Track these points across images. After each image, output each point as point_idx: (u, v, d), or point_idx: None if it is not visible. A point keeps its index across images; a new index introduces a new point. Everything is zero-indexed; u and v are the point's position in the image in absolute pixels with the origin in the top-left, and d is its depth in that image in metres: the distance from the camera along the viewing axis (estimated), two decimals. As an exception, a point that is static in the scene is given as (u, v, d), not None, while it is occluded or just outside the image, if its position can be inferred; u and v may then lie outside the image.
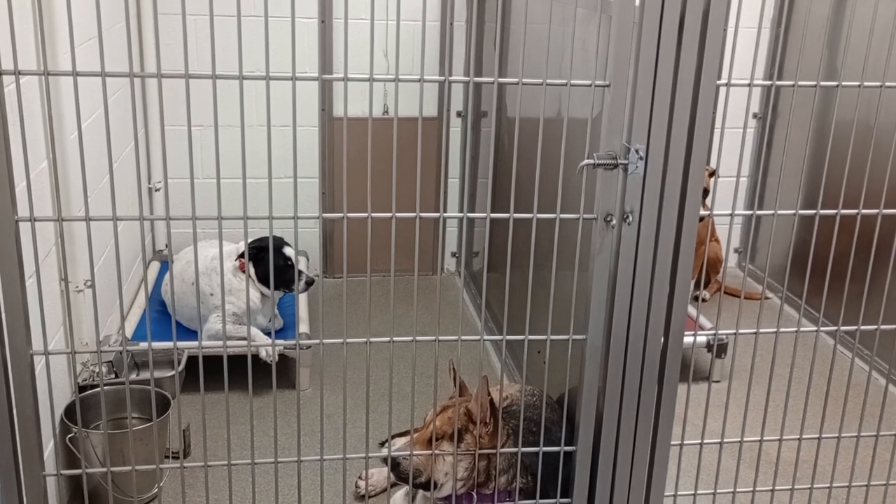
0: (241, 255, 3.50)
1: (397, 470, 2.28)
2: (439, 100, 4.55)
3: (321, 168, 4.45)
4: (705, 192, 1.97)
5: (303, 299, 3.88)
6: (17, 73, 1.65)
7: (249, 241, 3.53)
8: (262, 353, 3.38)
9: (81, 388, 2.89)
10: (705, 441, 2.18)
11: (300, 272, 3.64)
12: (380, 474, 2.86)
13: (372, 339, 1.96)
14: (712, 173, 3.01)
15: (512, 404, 2.59)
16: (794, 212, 2.04)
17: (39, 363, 2.03)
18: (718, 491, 2.29)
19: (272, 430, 2.63)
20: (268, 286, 3.54)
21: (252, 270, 3.48)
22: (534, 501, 2.23)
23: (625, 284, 1.97)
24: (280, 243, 3.56)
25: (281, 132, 4.10)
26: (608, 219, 1.93)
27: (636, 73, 1.82)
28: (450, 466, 2.23)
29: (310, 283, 3.58)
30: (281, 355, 3.51)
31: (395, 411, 3.28)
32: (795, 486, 2.31)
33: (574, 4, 2.73)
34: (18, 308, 1.79)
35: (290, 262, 3.63)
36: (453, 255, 4.88)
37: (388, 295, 4.43)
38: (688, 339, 2.13)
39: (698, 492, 2.24)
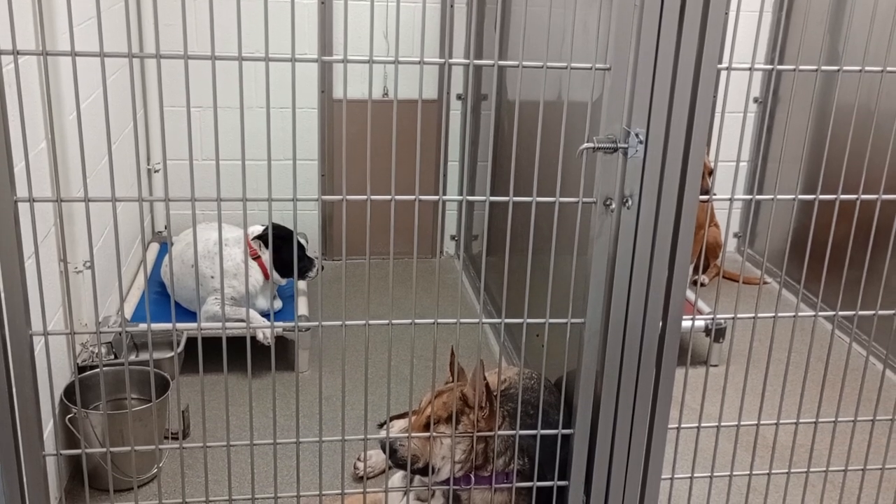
0: (257, 238, 3.54)
1: (395, 456, 2.29)
2: (439, 82, 4.54)
3: (321, 150, 4.44)
4: (706, 192, 1.97)
5: (302, 281, 3.89)
6: (16, 53, 1.65)
7: (257, 228, 3.57)
8: (260, 336, 3.39)
9: (81, 369, 2.90)
10: (702, 425, 2.19)
11: (312, 259, 3.72)
12: (378, 456, 2.87)
13: (371, 322, 1.97)
14: (710, 171, 3.00)
15: (510, 387, 2.59)
16: (793, 197, 2.04)
17: (39, 344, 2.04)
18: (715, 474, 2.30)
19: (271, 412, 2.64)
20: (282, 273, 3.62)
21: (266, 257, 3.53)
22: (531, 484, 2.25)
23: (624, 268, 1.97)
24: (289, 233, 3.58)
25: (280, 114, 4.10)
26: (607, 202, 1.93)
27: (637, 56, 1.81)
28: (447, 450, 2.24)
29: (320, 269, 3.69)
30: (280, 337, 3.52)
31: (394, 393, 3.31)
32: (792, 470, 2.32)
33: (575, -13, 2.72)
34: (17, 289, 1.79)
35: (304, 251, 3.78)
36: (452, 238, 4.88)
37: (387, 277, 4.43)
38: (686, 324, 2.13)
39: (695, 475, 2.25)
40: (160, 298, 3.72)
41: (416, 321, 1.98)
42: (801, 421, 2.24)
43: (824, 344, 3.70)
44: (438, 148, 4.60)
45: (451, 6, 4.39)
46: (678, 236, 1.97)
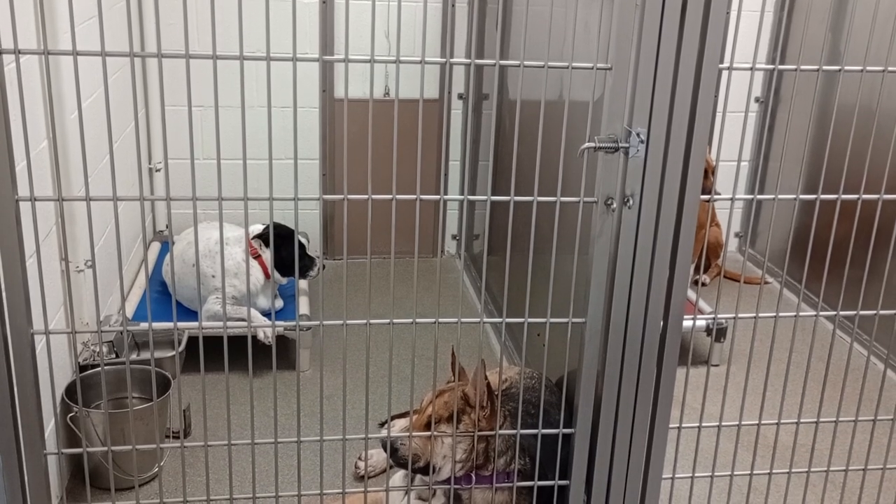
0: (257, 237, 3.54)
1: (396, 455, 2.29)
2: (440, 82, 4.54)
3: (322, 149, 4.44)
4: (709, 191, 1.97)
5: (303, 280, 3.89)
6: (17, 52, 1.65)
7: (258, 227, 3.58)
8: (260, 335, 3.39)
9: (82, 368, 2.90)
10: (703, 424, 2.19)
11: (313, 258, 3.73)
12: (379, 455, 2.87)
13: (372, 321, 1.97)
14: (713, 170, 2.98)
15: (511, 387, 2.59)
16: (794, 196, 2.04)
17: (40, 343, 2.04)
18: (716, 474, 2.30)
19: (272, 411, 2.64)
20: (283, 272, 3.62)
21: (267, 256, 3.54)
22: (532, 483, 2.25)
23: (625, 268, 1.97)
24: (290, 232, 3.59)
25: (281, 113, 4.10)
26: (609, 202, 1.93)
27: (638, 55, 1.81)
28: (448, 449, 2.24)
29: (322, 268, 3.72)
30: (281, 336, 3.52)
31: (395, 393, 3.31)
32: (793, 470, 2.32)
33: (576, -14, 2.71)
34: (19, 287, 1.79)
35: (305, 250, 3.80)
36: (454, 237, 4.88)
37: (388, 277, 4.43)
38: (687, 323, 2.13)
39: (696, 475, 2.25)
40: (161, 297, 3.72)
41: (418, 320, 1.98)
42: (802, 421, 2.24)
43: (825, 344, 3.70)
44: (440, 147, 4.60)
45: (453, 6, 4.39)
46: (679, 236, 1.96)
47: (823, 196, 2.02)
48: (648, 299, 2.00)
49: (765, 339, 3.42)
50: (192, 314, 3.55)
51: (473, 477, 2.29)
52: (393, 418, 2.88)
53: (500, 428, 2.23)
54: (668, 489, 2.24)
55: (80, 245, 2.82)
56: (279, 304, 3.77)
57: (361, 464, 2.88)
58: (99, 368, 2.73)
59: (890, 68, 1.93)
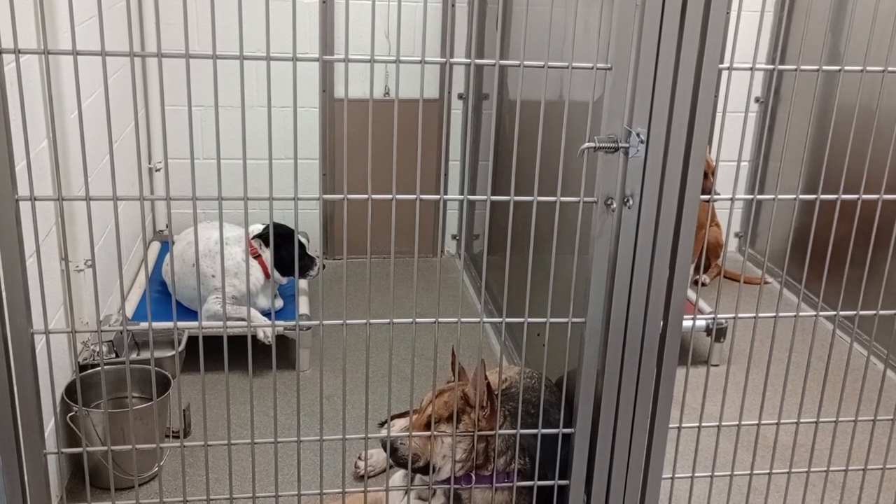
0: (257, 237, 3.55)
1: (395, 455, 2.29)
2: (440, 82, 4.53)
3: (321, 149, 4.44)
4: (708, 190, 1.97)
5: (303, 280, 3.89)
6: (17, 51, 1.65)
7: (257, 227, 3.59)
8: (260, 335, 3.39)
9: (82, 368, 2.90)
10: (703, 424, 2.19)
11: (313, 258, 3.74)
12: (379, 455, 2.87)
13: (372, 321, 1.97)
14: (713, 170, 2.99)
15: (511, 387, 2.59)
16: (794, 196, 2.04)
17: (40, 342, 2.04)
18: (716, 474, 2.30)
19: (272, 411, 2.63)
20: (283, 272, 3.63)
21: (267, 256, 3.55)
22: (532, 483, 2.25)
23: (625, 268, 1.97)
24: (290, 231, 3.59)
25: (281, 113, 4.10)
26: (609, 202, 1.93)
27: (638, 55, 1.81)
28: (448, 449, 2.24)
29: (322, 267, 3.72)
30: (281, 336, 3.52)
31: (395, 392, 3.31)
32: (792, 470, 2.32)
33: (577, -14, 2.71)
34: (19, 287, 1.79)
35: (305, 249, 3.81)
36: (454, 237, 4.88)
37: (388, 277, 4.43)
38: (687, 323, 2.13)
39: (696, 474, 2.25)
40: (161, 297, 3.72)
41: (418, 320, 1.98)
42: (801, 421, 2.24)
43: (825, 344, 3.70)
44: (440, 147, 4.60)
45: (453, 5, 4.39)
46: (679, 236, 1.96)
47: (823, 196, 2.02)
48: (648, 299, 2.00)
49: (765, 339, 3.42)
50: (192, 314, 3.55)
51: (473, 477, 2.28)
52: (393, 418, 2.88)
53: (500, 428, 2.23)
54: (668, 489, 2.24)
55: (79, 245, 2.82)
56: (279, 303, 3.77)
57: (361, 463, 2.88)
58: (99, 368, 2.73)
59: (890, 68, 1.93)
